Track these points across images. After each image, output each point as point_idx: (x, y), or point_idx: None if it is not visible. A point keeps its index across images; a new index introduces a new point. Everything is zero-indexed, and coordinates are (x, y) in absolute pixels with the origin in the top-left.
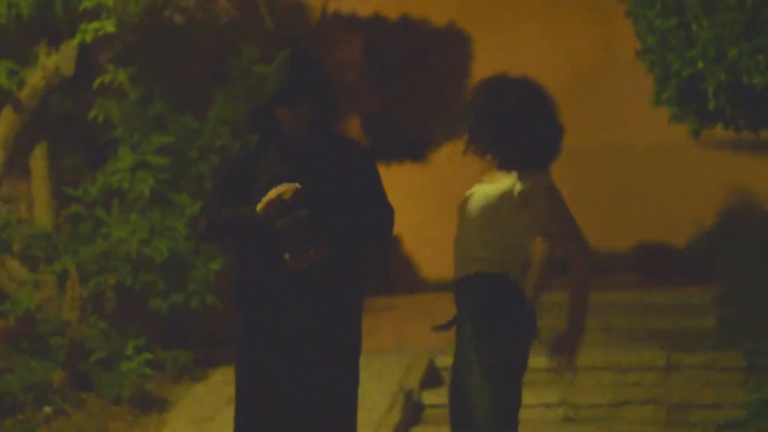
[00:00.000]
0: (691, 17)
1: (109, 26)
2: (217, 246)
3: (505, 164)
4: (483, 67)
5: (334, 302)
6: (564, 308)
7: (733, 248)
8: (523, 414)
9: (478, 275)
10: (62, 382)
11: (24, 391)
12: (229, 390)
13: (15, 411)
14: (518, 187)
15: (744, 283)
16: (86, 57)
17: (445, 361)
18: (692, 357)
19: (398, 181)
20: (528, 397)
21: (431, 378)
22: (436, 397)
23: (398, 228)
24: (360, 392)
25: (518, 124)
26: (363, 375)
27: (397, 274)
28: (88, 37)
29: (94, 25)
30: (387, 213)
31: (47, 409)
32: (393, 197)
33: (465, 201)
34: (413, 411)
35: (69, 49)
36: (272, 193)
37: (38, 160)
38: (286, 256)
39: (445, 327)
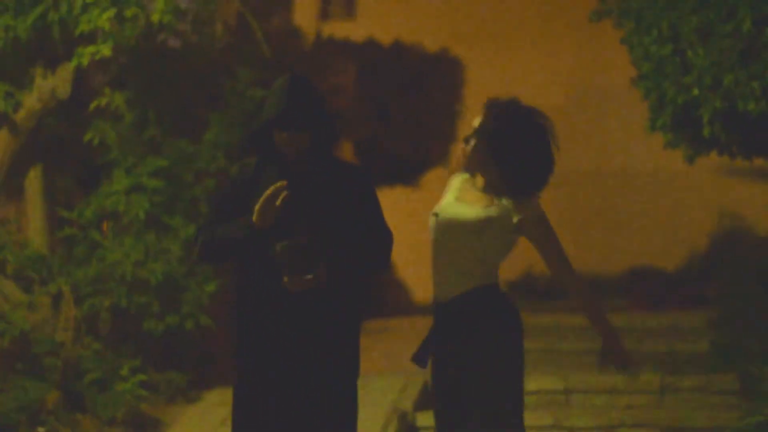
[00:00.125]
0: (687, 45)
1: (106, 50)
2: (211, 268)
3: (495, 188)
4: (475, 93)
5: (332, 324)
6: (562, 329)
7: (725, 272)
8: None
9: (476, 290)
10: (56, 402)
11: (17, 411)
12: (224, 411)
13: (9, 431)
14: (515, 216)
15: (736, 307)
16: (81, 80)
17: None
18: (686, 380)
19: (391, 204)
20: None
21: (425, 400)
22: (430, 419)
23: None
24: None
25: (517, 153)
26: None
27: (390, 297)
28: (85, 61)
29: (91, 48)
30: (385, 237)
31: (41, 429)
32: (386, 220)
33: (443, 222)
34: (408, 430)
35: (65, 72)
36: (262, 199)
37: (33, 181)
38: (285, 278)
39: (422, 356)
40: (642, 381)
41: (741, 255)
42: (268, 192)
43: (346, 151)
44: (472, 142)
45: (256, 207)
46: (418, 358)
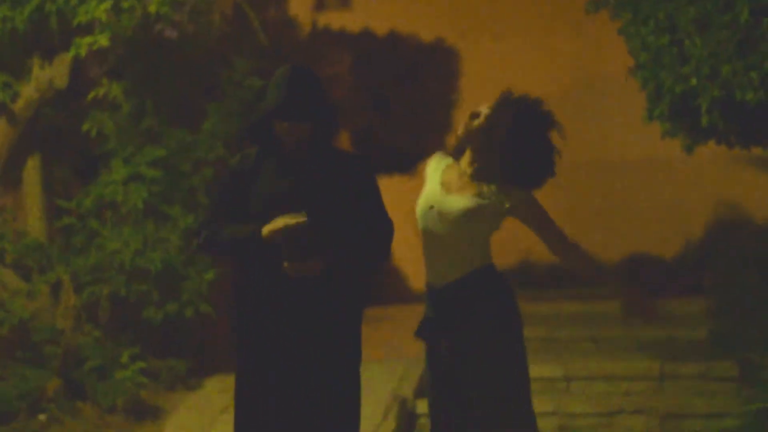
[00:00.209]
0: (684, 35)
1: (103, 40)
2: (210, 257)
3: (488, 176)
4: (471, 83)
5: (334, 311)
6: (560, 317)
7: (722, 261)
8: None
9: (474, 273)
10: (56, 390)
11: (18, 399)
12: (224, 399)
13: (9, 419)
14: (507, 203)
15: (734, 295)
16: (78, 70)
17: None
18: (685, 367)
19: (388, 193)
20: None
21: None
22: None
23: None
24: None
25: (524, 153)
26: None
27: (389, 285)
28: (82, 51)
29: (88, 39)
30: (386, 226)
31: (42, 417)
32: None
33: (433, 213)
34: (408, 420)
35: (63, 62)
36: (279, 223)
37: (31, 171)
38: (285, 264)
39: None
40: (641, 368)
41: (739, 243)
42: (291, 220)
43: (343, 141)
44: (479, 121)
45: (270, 226)
46: (422, 333)
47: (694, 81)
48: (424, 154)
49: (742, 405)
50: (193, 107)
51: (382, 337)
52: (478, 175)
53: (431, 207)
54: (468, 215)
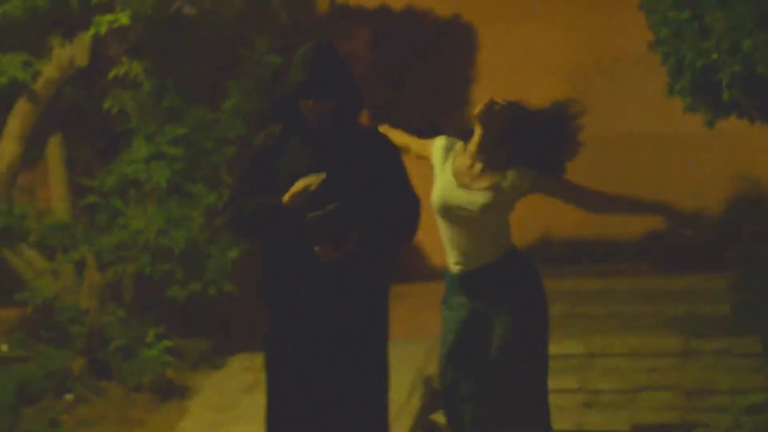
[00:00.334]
0: (705, 9)
1: (124, 18)
2: (233, 235)
3: (505, 160)
4: (489, 58)
5: (362, 290)
6: (582, 293)
7: (743, 236)
8: None
9: (507, 254)
10: (82, 370)
11: (44, 379)
12: (249, 377)
13: (36, 399)
14: (526, 184)
15: (757, 270)
16: (96, 49)
17: None
18: (709, 343)
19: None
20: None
21: None
22: None
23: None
24: None
25: (545, 147)
26: None
27: (409, 263)
28: (103, 29)
29: (109, 17)
30: (413, 203)
31: (68, 397)
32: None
33: (453, 208)
34: (433, 397)
35: (83, 40)
36: (299, 185)
37: (53, 150)
38: (317, 249)
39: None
40: (665, 344)
41: (760, 218)
42: (307, 180)
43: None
44: (501, 107)
45: (291, 191)
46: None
47: (715, 55)
48: (441, 130)
49: (767, 380)
50: (212, 85)
51: (404, 315)
52: (493, 161)
53: (450, 202)
54: (490, 208)
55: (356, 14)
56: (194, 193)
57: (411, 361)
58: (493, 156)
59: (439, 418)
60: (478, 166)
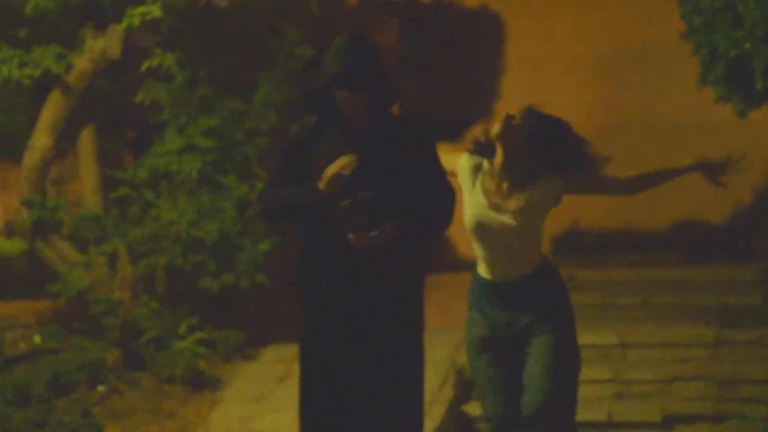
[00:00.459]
0: None
1: (156, 10)
2: (265, 226)
3: (529, 169)
4: (517, 49)
5: (398, 280)
6: (613, 283)
7: None
8: None
9: (543, 261)
10: (115, 361)
11: (77, 370)
12: (281, 368)
13: (69, 390)
14: (555, 188)
15: None
16: (129, 41)
17: None
18: (741, 333)
19: None
20: None
21: None
22: None
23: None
24: None
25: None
26: None
27: (439, 253)
28: (135, 21)
29: (141, 9)
30: (448, 193)
31: (101, 388)
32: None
33: (487, 229)
34: (465, 388)
35: (116, 32)
36: (332, 168)
37: (86, 143)
38: (350, 235)
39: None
40: (697, 334)
41: None
42: (340, 163)
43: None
44: (517, 120)
45: (325, 174)
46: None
47: (748, 45)
48: (470, 121)
49: None
50: (244, 76)
51: (436, 306)
52: (520, 176)
53: (485, 223)
54: (525, 223)
55: (385, 5)
56: (226, 184)
57: (442, 351)
58: (519, 170)
59: (472, 408)
60: (506, 184)
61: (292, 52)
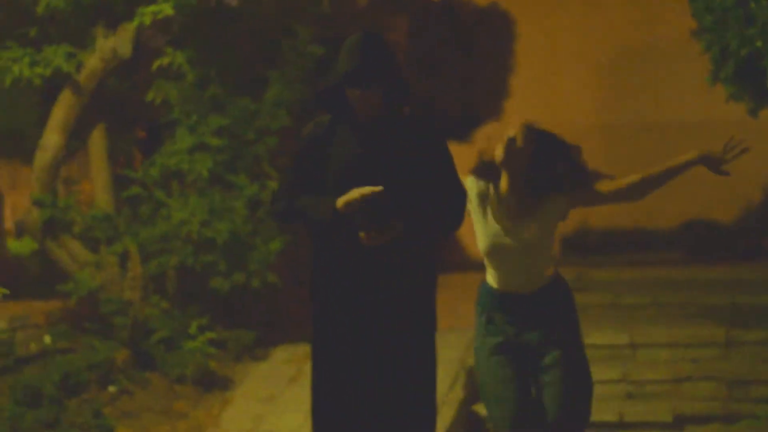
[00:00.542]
0: None
1: (168, 9)
2: (276, 226)
3: (534, 188)
4: (526, 47)
5: (410, 280)
6: (622, 283)
7: None
8: None
9: (554, 275)
10: (126, 361)
11: (88, 370)
12: (291, 368)
13: (80, 390)
14: (562, 206)
15: None
16: (138, 40)
17: None
18: (751, 333)
19: None
20: None
21: None
22: None
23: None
24: None
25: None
26: None
27: (447, 253)
28: (147, 20)
29: (153, 7)
30: (460, 192)
31: (111, 388)
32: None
33: (502, 248)
34: (475, 389)
35: (127, 31)
36: (355, 194)
37: (96, 142)
38: (361, 234)
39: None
40: (707, 334)
41: None
42: (364, 192)
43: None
44: (519, 142)
45: (346, 198)
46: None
47: (759, 43)
48: (479, 120)
49: None
50: (255, 75)
51: (445, 306)
52: (527, 197)
53: (499, 247)
54: (538, 242)
55: (395, 4)
56: (236, 183)
57: (452, 351)
58: (525, 192)
59: (482, 409)
60: (515, 207)
61: (303, 51)
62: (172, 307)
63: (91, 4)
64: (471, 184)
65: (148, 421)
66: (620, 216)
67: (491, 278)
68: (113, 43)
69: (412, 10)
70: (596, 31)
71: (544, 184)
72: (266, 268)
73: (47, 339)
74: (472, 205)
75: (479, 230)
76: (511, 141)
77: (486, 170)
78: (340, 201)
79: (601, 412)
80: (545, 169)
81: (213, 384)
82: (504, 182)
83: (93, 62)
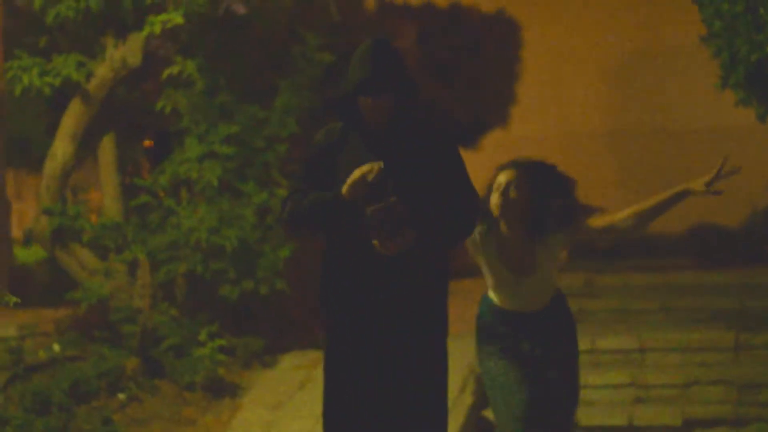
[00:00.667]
0: (759, 2)
1: (177, 18)
2: (288, 233)
3: (536, 227)
4: (534, 54)
5: (422, 286)
6: (630, 288)
7: None
8: (595, 395)
9: (556, 295)
10: (135, 369)
11: (98, 378)
12: (301, 375)
13: (89, 398)
14: (559, 241)
15: None
16: (147, 49)
17: None
18: (760, 337)
19: None
20: (598, 378)
21: None
22: None
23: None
24: None
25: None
26: None
27: (455, 259)
28: (156, 29)
29: (163, 16)
30: (472, 198)
31: (121, 395)
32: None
33: (520, 287)
34: (483, 394)
35: (136, 40)
36: (356, 174)
37: (106, 151)
38: (375, 242)
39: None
40: (716, 339)
41: None
42: (364, 168)
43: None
44: (512, 193)
45: (349, 181)
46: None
47: None
48: (487, 126)
49: None
50: (264, 83)
51: (454, 311)
52: (527, 239)
53: (510, 291)
54: (544, 275)
55: (403, 11)
56: (246, 191)
57: (461, 356)
58: (525, 234)
59: (491, 414)
60: (517, 252)
61: (311, 59)
62: (181, 315)
63: (100, 13)
64: (474, 239)
65: (157, 428)
66: None
67: (492, 295)
68: (123, 53)
69: (420, 18)
70: (603, 38)
71: (542, 225)
72: (275, 275)
73: (56, 347)
74: (476, 250)
75: (487, 272)
76: (506, 191)
77: (484, 217)
78: (344, 186)
79: (610, 416)
80: (542, 210)
81: (222, 391)
82: (503, 227)
83: (103, 71)
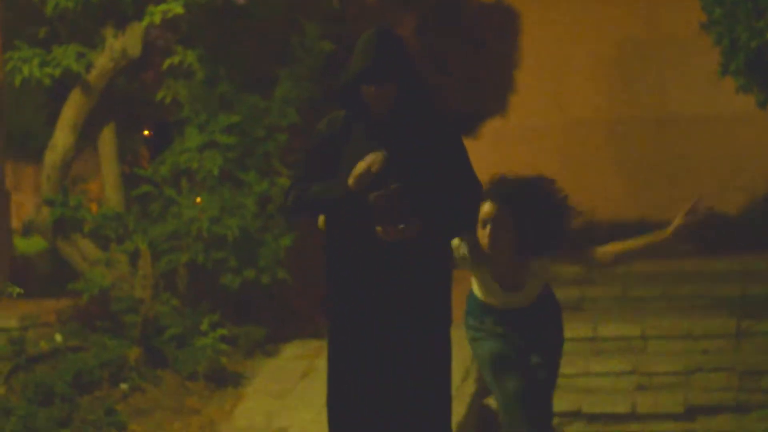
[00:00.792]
0: None
1: (178, 8)
2: (286, 222)
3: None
4: (532, 42)
5: (425, 274)
6: (632, 275)
7: None
8: (597, 383)
9: (545, 290)
10: (137, 359)
11: (100, 368)
12: (303, 364)
13: (92, 388)
14: (547, 265)
15: None
16: (146, 38)
17: None
18: (762, 324)
19: None
20: (600, 365)
21: None
22: None
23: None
24: None
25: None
26: None
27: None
28: (156, 19)
29: (162, 6)
30: (476, 187)
31: (123, 386)
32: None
33: (514, 301)
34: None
35: (136, 30)
36: (361, 165)
37: (106, 141)
38: (378, 228)
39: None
40: (718, 326)
41: None
42: (369, 159)
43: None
44: (490, 226)
45: (354, 173)
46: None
47: None
48: (486, 115)
49: None
50: (264, 73)
51: (456, 300)
52: (517, 263)
53: (500, 301)
54: (537, 284)
55: (402, 0)
56: (246, 181)
57: (464, 345)
58: (513, 257)
59: (493, 402)
60: (508, 271)
61: (311, 48)
62: (183, 305)
63: (100, 3)
64: (462, 249)
65: (160, 417)
66: (628, 208)
67: (476, 290)
68: (123, 43)
69: (419, 6)
70: (603, 25)
71: (530, 250)
72: (276, 264)
73: (58, 337)
74: (464, 265)
75: (477, 288)
76: (496, 231)
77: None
78: (350, 177)
79: (613, 403)
80: (529, 236)
81: (225, 380)
82: (494, 261)
83: (103, 62)
